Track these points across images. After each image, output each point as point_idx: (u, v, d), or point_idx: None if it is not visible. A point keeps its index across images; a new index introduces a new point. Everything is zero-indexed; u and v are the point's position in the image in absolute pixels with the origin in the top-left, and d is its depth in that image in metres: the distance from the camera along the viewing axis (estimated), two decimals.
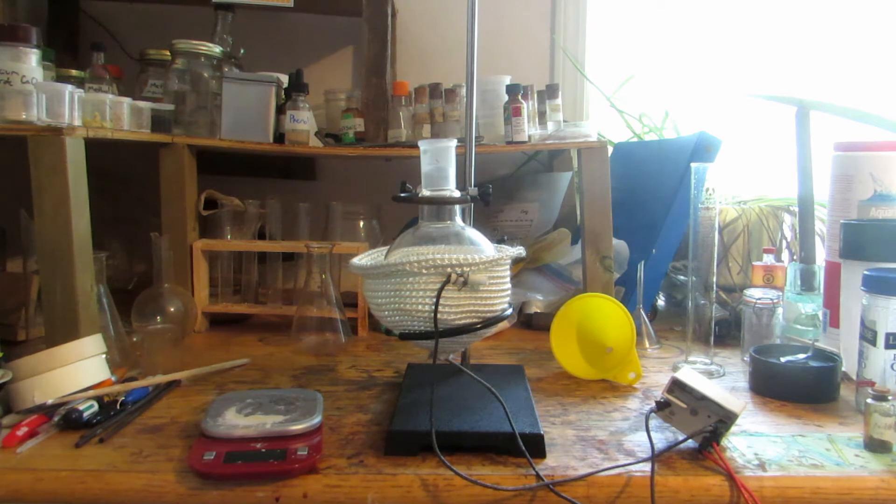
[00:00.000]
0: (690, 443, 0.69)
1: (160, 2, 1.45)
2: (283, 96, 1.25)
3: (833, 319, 0.97)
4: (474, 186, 0.85)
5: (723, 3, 1.56)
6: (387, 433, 0.69)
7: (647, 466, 0.65)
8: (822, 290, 1.02)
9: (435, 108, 1.26)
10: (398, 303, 0.75)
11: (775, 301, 1.02)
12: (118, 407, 0.78)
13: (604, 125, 1.50)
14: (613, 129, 1.51)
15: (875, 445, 0.70)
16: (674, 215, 1.18)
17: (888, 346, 0.77)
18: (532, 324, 1.22)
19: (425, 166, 0.80)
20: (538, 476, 0.63)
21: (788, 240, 1.28)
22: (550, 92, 1.26)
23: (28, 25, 0.98)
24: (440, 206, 0.81)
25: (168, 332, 1.05)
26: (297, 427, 0.68)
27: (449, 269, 0.72)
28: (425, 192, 0.80)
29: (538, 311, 1.22)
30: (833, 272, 0.97)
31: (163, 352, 0.97)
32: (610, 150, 1.26)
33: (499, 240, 1.15)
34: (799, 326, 1.05)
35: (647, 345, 1.11)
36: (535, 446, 0.67)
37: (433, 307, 0.72)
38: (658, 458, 0.67)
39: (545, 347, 0.99)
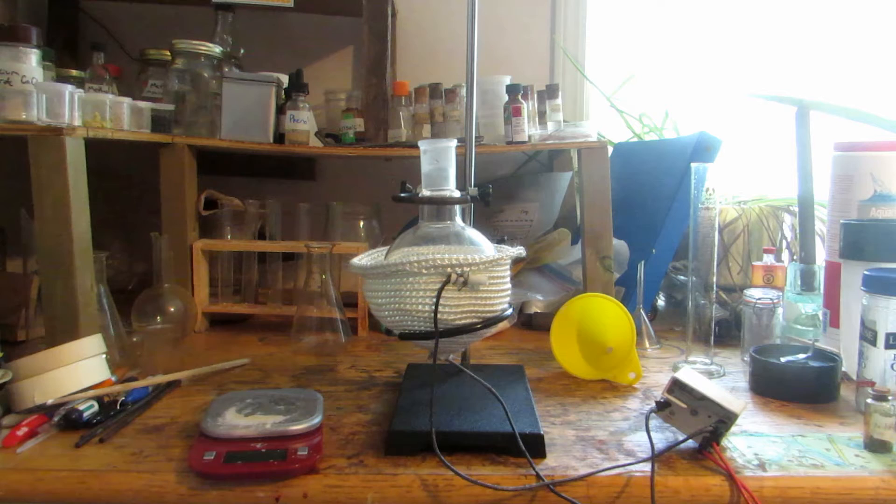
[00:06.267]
0: (690, 443, 0.69)
1: (160, 2, 1.45)
2: (283, 96, 1.25)
3: (833, 319, 0.97)
4: (474, 186, 0.85)
5: (723, 3, 1.56)
6: (387, 433, 0.69)
7: (647, 466, 0.65)
8: (822, 290, 1.02)
9: (435, 108, 1.26)
10: (398, 303, 0.75)
11: (775, 301, 1.01)
12: (118, 407, 0.78)
13: (604, 125, 1.50)
14: (613, 129, 1.51)
15: (875, 445, 0.70)
16: (674, 215, 1.18)
17: (888, 346, 0.77)
18: (532, 324, 1.22)
19: (425, 166, 0.80)
20: (538, 476, 0.63)
21: (788, 240, 1.28)
22: (550, 92, 1.26)
23: (28, 25, 0.98)
24: (440, 206, 0.81)
25: (168, 332, 1.05)
26: (297, 427, 0.68)
27: (449, 269, 0.72)
28: (425, 192, 0.80)
29: (538, 311, 1.22)
30: (833, 272, 0.97)
31: (163, 352, 0.97)
32: (610, 150, 1.26)
33: (499, 240, 1.14)
34: (799, 326, 1.05)
35: (647, 345, 1.11)
36: (535, 446, 0.67)
37: (433, 307, 0.72)
38: (658, 458, 0.67)
39: (545, 347, 0.99)
